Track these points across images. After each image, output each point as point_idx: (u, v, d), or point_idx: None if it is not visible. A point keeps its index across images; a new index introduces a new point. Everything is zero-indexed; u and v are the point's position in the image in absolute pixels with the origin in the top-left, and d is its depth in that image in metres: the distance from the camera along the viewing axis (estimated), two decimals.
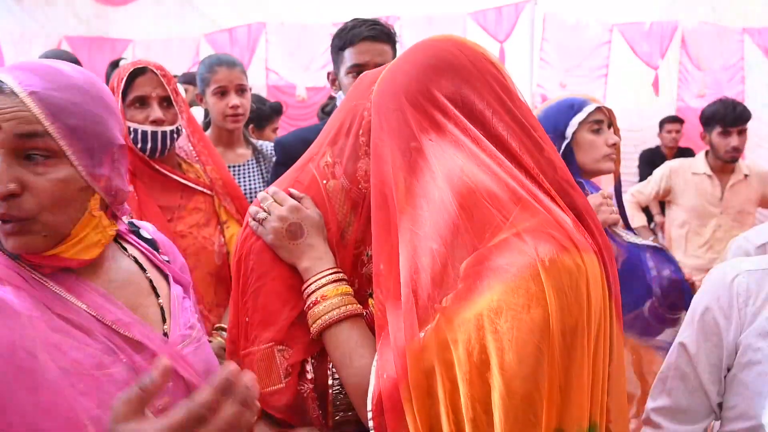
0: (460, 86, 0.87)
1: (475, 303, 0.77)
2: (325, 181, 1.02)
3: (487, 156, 0.84)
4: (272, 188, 1.05)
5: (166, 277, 0.97)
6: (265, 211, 1.02)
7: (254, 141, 2.35)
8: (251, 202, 2.13)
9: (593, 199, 1.63)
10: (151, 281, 0.94)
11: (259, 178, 2.24)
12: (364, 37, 1.75)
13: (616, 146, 1.73)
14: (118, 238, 0.94)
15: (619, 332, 0.93)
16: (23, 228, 0.77)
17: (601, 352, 0.85)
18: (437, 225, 0.84)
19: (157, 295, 0.93)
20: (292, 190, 1.03)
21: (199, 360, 0.89)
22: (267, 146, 2.36)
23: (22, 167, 0.76)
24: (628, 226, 1.84)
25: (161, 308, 0.92)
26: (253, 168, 2.25)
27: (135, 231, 1.00)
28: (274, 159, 2.30)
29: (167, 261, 1.00)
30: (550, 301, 0.76)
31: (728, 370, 1.05)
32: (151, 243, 1.01)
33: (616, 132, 1.78)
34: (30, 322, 0.74)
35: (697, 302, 1.09)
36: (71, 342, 0.77)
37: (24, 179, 0.75)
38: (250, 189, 2.21)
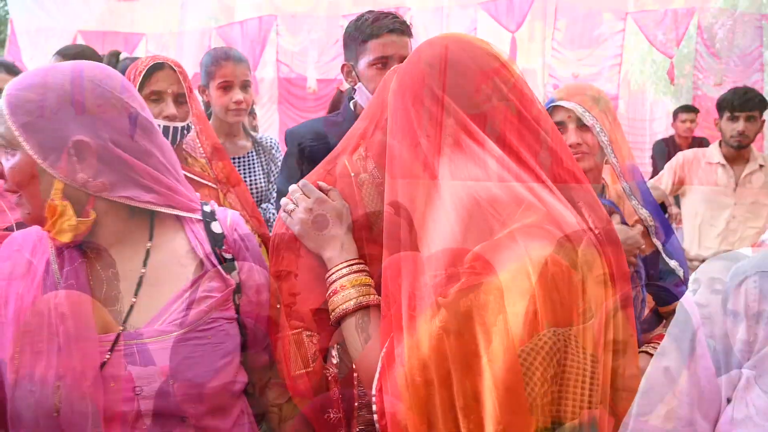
0: (462, 84, 0.89)
1: (468, 298, 0.80)
2: (354, 174, 1.06)
3: (487, 153, 0.86)
4: (302, 181, 1.09)
5: (202, 269, 0.98)
6: (293, 203, 1.06)
7: (254, 133, 2.38)
8: (253, 193, 2.17)
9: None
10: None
11: (259, 170, 2.27)
12: (390, 29, 1.74)
13: (575, 146, 1.45)
14: (185, 223, 1.01)
15: (627, 323, 0.92)
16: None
17: (602, 342, 0.84)
18: (440, 223, 0.86)
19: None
20: (321, 183, 1.07)
21: (148, 357, 0.91)
22: (266, 138, 2.39)
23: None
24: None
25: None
26: (253, 160, 2.28)
27: (207, 222, 1.03)
28: (273, 151, 2.33)
29: (229, 259, 1.01)
30: (539, 295, 0.78)
31: (728, 401, 0.78)
32: (217, 237, 1.02)
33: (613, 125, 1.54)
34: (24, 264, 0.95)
35: (687, 314, 0.80)
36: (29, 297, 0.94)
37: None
38: (251, 180, 2.24)
